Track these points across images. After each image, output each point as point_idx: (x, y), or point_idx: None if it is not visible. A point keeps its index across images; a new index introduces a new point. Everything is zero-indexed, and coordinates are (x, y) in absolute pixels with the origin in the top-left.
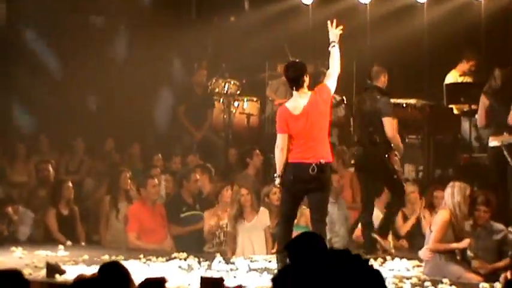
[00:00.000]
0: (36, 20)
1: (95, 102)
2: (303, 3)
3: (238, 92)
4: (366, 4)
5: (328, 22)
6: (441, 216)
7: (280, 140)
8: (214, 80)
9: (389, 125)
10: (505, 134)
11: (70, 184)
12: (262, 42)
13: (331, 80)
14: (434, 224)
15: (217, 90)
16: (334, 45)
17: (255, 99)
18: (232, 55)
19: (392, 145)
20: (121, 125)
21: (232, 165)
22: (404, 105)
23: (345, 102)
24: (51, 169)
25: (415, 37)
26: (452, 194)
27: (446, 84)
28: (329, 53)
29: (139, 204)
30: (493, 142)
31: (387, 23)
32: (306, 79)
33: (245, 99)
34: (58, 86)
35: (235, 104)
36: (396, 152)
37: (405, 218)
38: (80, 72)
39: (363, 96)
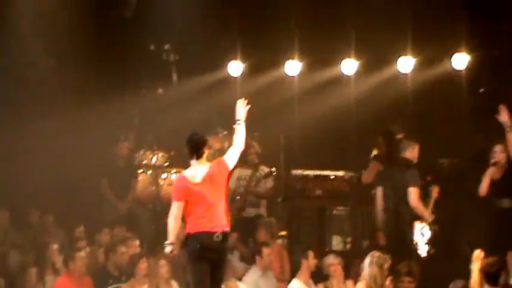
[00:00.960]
0: None
1: (18, 173)
2: (231, 76)
3: (166, 164)
4: (294, 76)
5: (240, 100)
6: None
7: (176, 208)
8: (142, 152)
9: (414, 195)
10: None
11: None
12: (191, 114)
13: (231, 156)
14: None
15: (145, 161)
16: (239, 123)
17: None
18: (160, 127)
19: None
20: (43, 195)
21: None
22: (332, 177)
23: (274, 173)
24: None
25: (343, 109)
26: (370, 265)
27: (374, 156)
28: (233, 130)
29: (66, 277)
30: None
31: (315, 95)
32: (206, 151)
33: (173, 171)
34: None
35: (164, 175)
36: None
37: None
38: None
39: (392, 167)
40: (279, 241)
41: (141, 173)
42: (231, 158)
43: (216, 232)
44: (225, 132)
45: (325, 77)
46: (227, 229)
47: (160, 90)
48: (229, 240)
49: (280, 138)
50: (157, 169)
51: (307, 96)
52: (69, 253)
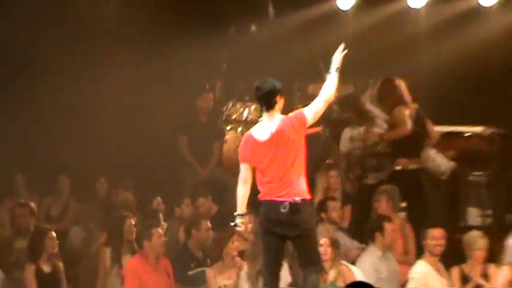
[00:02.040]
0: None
1: (81, 133)
2: (340, 9)
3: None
4: (419, 9)
5: (341, 46)
6: (502, 274)
7: (242, 171)
8: (230, 105)
9: None
10: None
11: (53, 234)
12: (291, 57)
13: (311, 108)
14: (498, 284)
15: (234, 116)
16: (331, 72)
17: None
18: (253, 73)
19: None
20: (112, 161)
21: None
22: (467, 134)
23: None
24: (30, 215)
25: (481, 48)
26: None
27: None
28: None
29: (139, 258)
30: None
31: (445, 32)
32: (279, 100)
33: None
34: (37, 114)
35: None
36: None
37: (464, 279)
38: (62, 96)
39: None
40: (402, 214)
41: (229, 130)
42: (311, 110)
43: (283, 202)
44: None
45: (458, 8)
46: (297, 198)
47: (253, 28)
48: (307, 212)
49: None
50: (250, 125)
51: (436, 32)
52: (144, 229)
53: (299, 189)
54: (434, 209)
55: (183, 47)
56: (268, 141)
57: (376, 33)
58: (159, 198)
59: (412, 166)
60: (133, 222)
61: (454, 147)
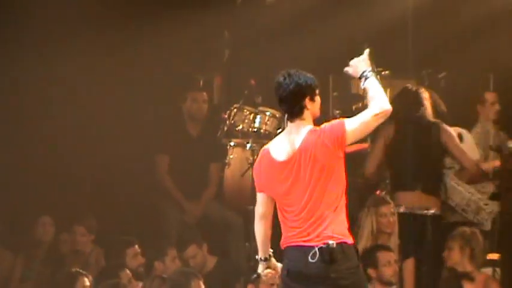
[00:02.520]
0: None
1: (17, 146)
2: None
3: (279, 130)
4: None
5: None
6: None
7: (259, 203)
8: (234, 110)
9: None
10: None
11: None
12: (324, 39)
13: (358, 119)
14: None
15: (241, 126)
16: (367, 77)
17: None
18: (268, 64)
19: None
20: (64, 191)
21: None
22: None
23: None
24: None
25: None
26: None
27: None
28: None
29: None
30: None
31: None
32: (309, 104)
33: None
34: None
35: None
36: None
37: None
38: None
39: None
40: (486, 270)
41: (233, 147)
42: (357, 122)
43: (312, 247)
44: (385, 71)
45: None
46: (332, 242)
47: None
48: (346, 262)
49: (488, 81)
50: (264, 140)
51: None
52: None
53: (334, 230)
54: None
55: (166, 25)
56: (287, 162)
57: (451, 8)
58: (136, 247)
59: (422, 211)
60: (87, 283)
61: None
